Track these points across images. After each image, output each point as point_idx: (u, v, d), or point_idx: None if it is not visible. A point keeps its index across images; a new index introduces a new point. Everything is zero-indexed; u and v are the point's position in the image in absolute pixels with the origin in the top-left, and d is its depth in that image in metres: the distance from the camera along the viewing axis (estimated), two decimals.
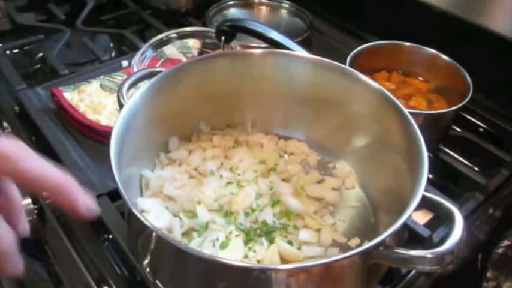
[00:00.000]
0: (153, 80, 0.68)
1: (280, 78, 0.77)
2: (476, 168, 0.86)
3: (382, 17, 1.09)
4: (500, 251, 0.71)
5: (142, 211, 0.64)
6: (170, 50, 0.99)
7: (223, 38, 0.90)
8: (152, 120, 0.69)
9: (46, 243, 0.81)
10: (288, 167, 0.76)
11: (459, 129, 0.93)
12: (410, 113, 0.63)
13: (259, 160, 0.76)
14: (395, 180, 0.65)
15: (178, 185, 0.70)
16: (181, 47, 1.00)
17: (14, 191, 0.45)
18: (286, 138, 0.81)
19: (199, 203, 0.66)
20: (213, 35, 0.94)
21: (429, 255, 0.48)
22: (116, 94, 0.67)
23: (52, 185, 0.42)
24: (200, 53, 1.01)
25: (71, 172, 0.74)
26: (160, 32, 1.02)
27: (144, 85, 0.67)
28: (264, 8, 1.27)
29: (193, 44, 1.01)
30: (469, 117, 0.94)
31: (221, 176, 0.72)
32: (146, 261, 0.57)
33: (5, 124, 0.92)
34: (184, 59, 0.97)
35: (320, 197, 0.72)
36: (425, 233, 0.70)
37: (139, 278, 0.64)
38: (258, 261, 0.61)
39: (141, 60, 0.94)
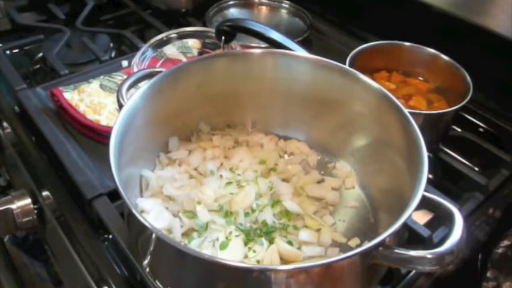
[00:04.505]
0: (153, 80, 0.68)
1: (280, 78, 0.77)
2: (476, 168, 0.86)
3: (382, 17, 1.09)
4: (500, 251, 0.71)
5: (142, 211, 0.64)
6: (170, 50, 0.99)
7: (223, 38, 0.90)
8: (152, 120, 0.69)
9: (46, 243, 0.81)
10: (288, 167, 0.76)
11: (459, 129, 0.93)
12: (410, 113, 0.63)
13: (259, 160, 0.76)
14: (395, 180, 0.65)
15: (178, 185, 0.70)
16: (181, 47, 1.00)
17: None
18: (286, 138, 0.81)
19: (199, 203, 0.66)
20: (213, 35, 0.94)
21: (429, 256, 0.48)
22: (116, 94, 0.67)
23: None
24: (200, 53, 1.01)
25: (71, 172, 0.75)
26: (160, 32, 1.02)
27: (144, 85, 0.67)
28: (264, 8, 1.27)
29: (193, 44, 1.01)
30: (469, 117, 0.94)
31: (221, 176, 0.72)
32: (146, 262, 0.57)
33: (5, 124, 0.92)
34: (184, 59, 0.97)
35: (320, 197, 0.72)
36: (425, 233, 0.70)
37: (139, 278, 0.64)
38: (258, 262, 0.61)
39: (141, 60, 0.94)
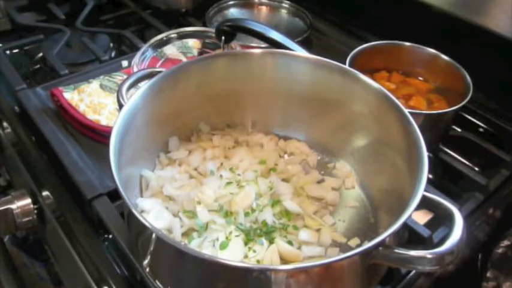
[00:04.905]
0: (153, 80, 0.68)
1: (280, 78, 0.77)
2: (476, 168, 0.86)
3: (382, 17, 1.09)
4: (500, 251, 0.71)
5: (142, 211, 0.64)
6: (170, 50, 0.99)
7: (223, 38, 0.90)
8: (152, 120, 0.69)
9: (46, 243, 0.81)
10: (288, 167, 0.76)
11: (459, 129, 0.93)
12: (410, 113, 0.63)
13: (259, 160, 0.76)
14: (395, 180, 0.65)
15: (178, 185, 0.70)
16: (181, 47, 1.00)
17: None
18: (286, 138, 0.81)
19: (199, 203, 0.66)
20: (213, 35, 0.94)
21: (429, 256, 0.48)
22: (116, 94, 0.67)
23: None
24: (200, 53, 1.01)
25: (71, 172, 0.75)
26: (160, 32, 1.02)
27: (144, 85, 0.67)
28: (264, 8, 1.27)
29: (193, 44, 1.01)
30: (469, 117, 0.94)
31: (221, 176, 0.72)
32: (146, 261, 0.57)
33: (5, 124, 0.92)
34: (184, 59, 0.97)
35: (320, 197, 0.72)
36: (425, 233, 0.70)
37: (139, 278, 0.64)
38: (258, 262, 0.60)
39: (141, 60, 0.94)
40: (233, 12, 1.24)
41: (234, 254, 0.61)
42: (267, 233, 0.64)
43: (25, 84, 0.94)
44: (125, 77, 0.80)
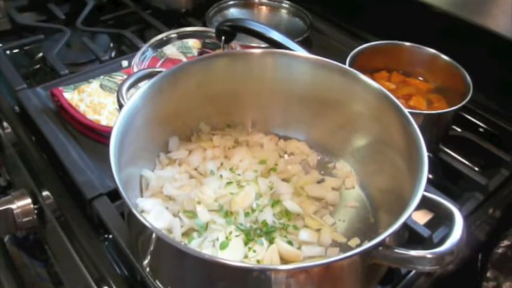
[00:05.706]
0: (153, 80, 0.68)
1: (280, 78, 0.77)
2: (476, 168, 0.86)
3: (382, 17, 1.09)
4: (500, 251, 0.71)
5: (142, 211, 0.64)
6: (170, 50, 0.99)
7: (223, 38, 0.90)
8: (152, 120, 0.69)
9: (46, 243, 0.81)
10: (288, 167, 0.76)
11: (459, 129, 0.93)
12: (410, 113, 0.63)
13: (259, 160, 0.76)
14: (395, 180, 0.65)
15: (178, 185, 0.70)
16: (181, 47, 1.00)
17: None
18: (286, 138, 0.81)
19: (199, 203, 0.66)
20: (213, 35, 0.94)
21: (429, 256, 0.48)
22: (116, 94, 0.67)
23: None
24: (200, 53, 1.01)
25: (71, 172, 0.75)
26: (160, 32, 1.02)
27: (144, 85, 0.67)
28: (264, 8, 1.27)
29: (193, 44, 1.01)
30: (469, 117, 0.94)
31: (221, 176, 0.72)
32: (146, 261, 0.57)
33: (5, 124, 0.92)
34: (184, 59, 0.97)
35: (320, 197, 0.72)
36: (425, 233, 0.70)
37: (139, 278, 0.64)
38: (258, 262, 0.61)
39: (141, 60, 0.94)
40: (233, 12, 1.24)
41: (234, 254, 0.61)
42: (267, 233, 0.64)
43: (25, 84, 0.94)
44: (125, 77, 0.80)
